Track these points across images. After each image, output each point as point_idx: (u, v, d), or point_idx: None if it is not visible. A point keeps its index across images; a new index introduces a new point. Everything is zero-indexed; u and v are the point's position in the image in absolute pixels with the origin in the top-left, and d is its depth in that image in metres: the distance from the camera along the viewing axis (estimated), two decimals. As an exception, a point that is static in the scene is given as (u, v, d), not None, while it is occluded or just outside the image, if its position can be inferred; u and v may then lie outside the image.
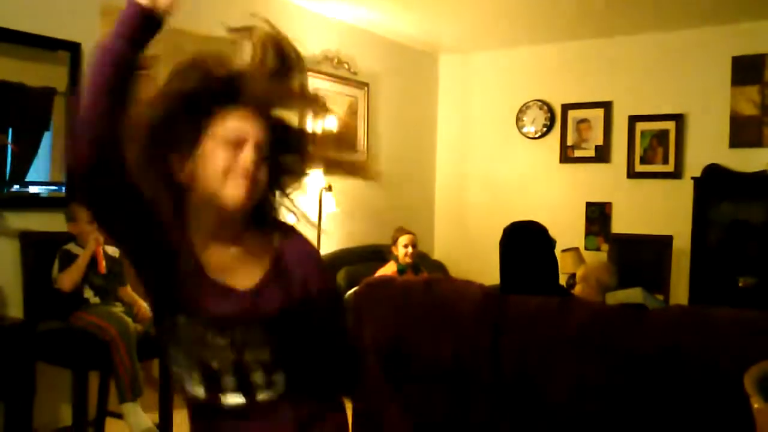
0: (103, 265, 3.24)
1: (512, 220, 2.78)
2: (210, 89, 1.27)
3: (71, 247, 3.21)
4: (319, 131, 1.41)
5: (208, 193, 1.27)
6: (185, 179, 1.28)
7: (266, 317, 1.33)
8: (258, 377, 1.34)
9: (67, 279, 3.14)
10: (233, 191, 1.26)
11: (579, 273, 3.87)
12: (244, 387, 1.34)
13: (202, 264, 1.32)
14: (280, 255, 1.37)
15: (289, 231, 1.41)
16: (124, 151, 1.21)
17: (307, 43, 5.02)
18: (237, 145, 1.27)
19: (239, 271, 1.34)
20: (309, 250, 1.43)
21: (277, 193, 1.38)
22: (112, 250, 3.28)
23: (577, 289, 3.70)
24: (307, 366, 1.39)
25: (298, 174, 1.38)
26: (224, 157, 1.26)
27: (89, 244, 3.19)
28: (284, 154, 1.34)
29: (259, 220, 1.37)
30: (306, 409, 1.38)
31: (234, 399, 1.34)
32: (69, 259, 3.17)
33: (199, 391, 1.34)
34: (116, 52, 1.18)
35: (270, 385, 1.35)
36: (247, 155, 1.27)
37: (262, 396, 1.35)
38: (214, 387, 1.34)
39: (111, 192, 1.23)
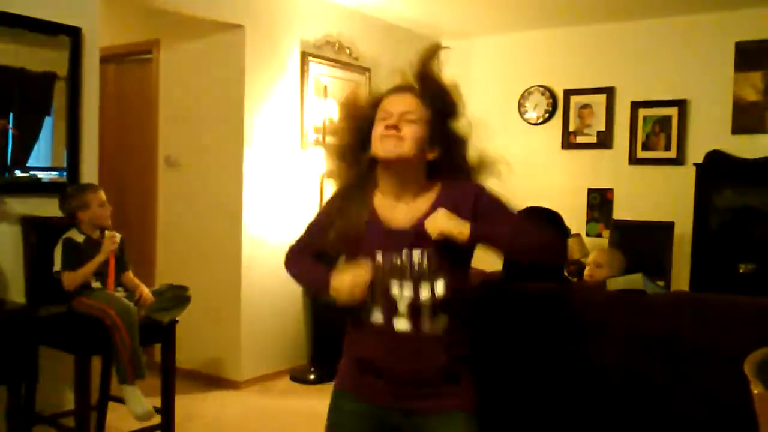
0: (112, 283, 3.24)
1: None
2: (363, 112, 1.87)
3: (73, 234, 3.17)
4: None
5: (375, 156, 1.79)
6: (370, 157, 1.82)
7: (427, 244, 1.73)
8: (425, 309, 1.73)
9: (74, 281, 3.12)
10: (381, 146, 1.77)
11: (591, 258, 3.85)
12: (413, 315, 1.74)
13: (379, 217, 1.81)
14: (438, 199, 1.80)
15: (458, 180, 1.84)
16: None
17: (308, 28, 5.00)
18: (386, 117, 1.78)
19: (407, 216, 1.80)
20: (469, 189, 1.82)
21: (448, 151, 1.84)
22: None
23: (598, 274, 3.64)
24: (465, 307, 1.86)
25: (455, 135, 1.87)
26: (378, 128, 1.78)
27: (103, 250, 3.17)
28: (445, 119, 1.84)
29: (436, 175, 1.84)
30: (450, 359, 1.79)
31: (403, 324, 1.74)
32: (73, 249, 3.14)
33: (378, 317, 1.77)
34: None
35: (433, 318, 1.74)
36: (388, 121, 1.76)
37: (425, 327, 1.74)
38: (391, 313, 1.75)
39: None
